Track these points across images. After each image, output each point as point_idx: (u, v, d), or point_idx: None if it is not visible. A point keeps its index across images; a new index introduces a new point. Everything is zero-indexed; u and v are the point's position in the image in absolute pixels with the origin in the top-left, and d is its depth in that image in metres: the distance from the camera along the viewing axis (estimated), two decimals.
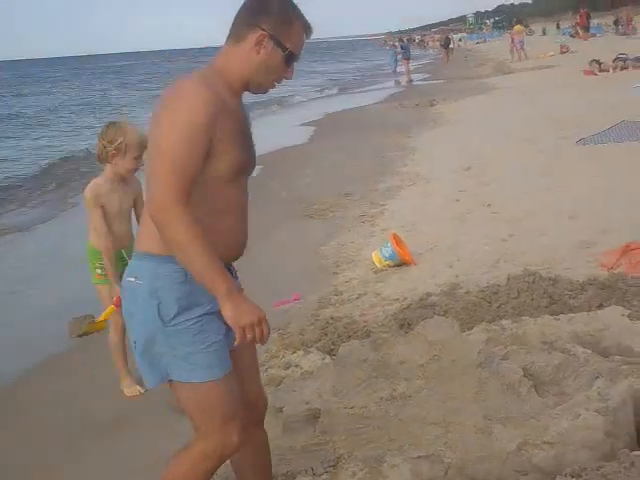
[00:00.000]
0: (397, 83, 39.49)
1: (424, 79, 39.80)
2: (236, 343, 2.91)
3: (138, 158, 5.35)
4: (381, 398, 4.31)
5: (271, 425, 4.35)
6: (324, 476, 3.89)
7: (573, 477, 3.49)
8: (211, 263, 2.83)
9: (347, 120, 22.65)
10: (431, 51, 71.86)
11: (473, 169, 12.05)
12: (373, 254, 7.64)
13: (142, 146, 5.23)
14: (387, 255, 7.47)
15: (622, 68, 25.83)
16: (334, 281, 7.33)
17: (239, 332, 2.87)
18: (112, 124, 5.44)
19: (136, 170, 5.46)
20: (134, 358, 3.15)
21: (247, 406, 3.29)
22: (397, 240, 7.61)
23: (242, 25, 3.01)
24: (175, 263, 2.89)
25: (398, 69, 43.85)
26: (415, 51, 55.45)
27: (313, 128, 21.69)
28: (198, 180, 2.86)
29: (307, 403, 4.49)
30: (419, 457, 3.92)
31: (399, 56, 44.29)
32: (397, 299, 6.48)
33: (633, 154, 11.58)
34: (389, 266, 7.45)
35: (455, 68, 43.16)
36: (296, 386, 4.80)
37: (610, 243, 7.04)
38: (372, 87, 38.57)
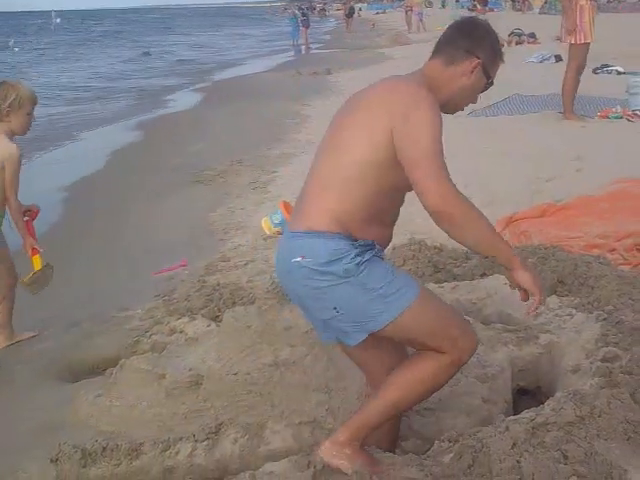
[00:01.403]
0: (295, 51, 39.33)
1: (322, 47, 39.71)
2: (536, 305, 3.28)
3: (30, 113, 5.39)
4: (264, 364, 4.29)
5: (153, 391, 4.34)
6: (205, 442, 3.86)
7: (450, 442, 3.54)
8: (499, 237, 3.21)
9: (241, 87, 22.48)
10: (332, 20, 71.63)
11: None
12: (263, 221, 7.60)
13: (33, 102, 5.38)
14: (277, 222, 7.45)
15: (517, 43, 26.32)
16: (222, 247, 7.28)
17: (539, 294, 3.20)
18: (3, 82, 5.45)
19: (29, 128, 5.47)
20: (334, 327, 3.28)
21: None
22: (287, 207, 7.58)
23: (459, 50, 3.37)
24: (342, 239, 3.13)
25: (300, 40, 42.78)
26: (315, 19, 55.14)
27: (204, 94, 21.48)
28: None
29: (190, 369, 4.44)
30: (301, 423, 3.94)
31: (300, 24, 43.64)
32: None
33: (522, 126, 11.84)
34: (279, 233, 7.42)
35: (354, 38, 43.18)
36: (180, 352, 4.75)
37: (496, 214, 7.16)
38: (269, 54, 38.33)
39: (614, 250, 5.93)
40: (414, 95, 3.18)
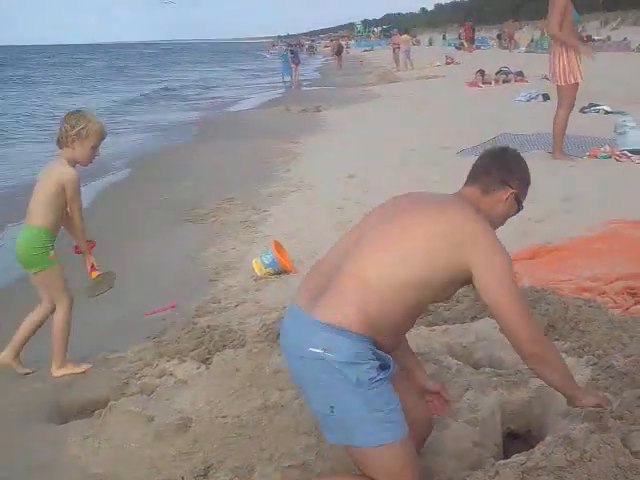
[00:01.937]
0: (285, 87, 39.49)
1: (312, 84, 39.91)
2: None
3: (96, 147, 5.60)
4: (254, 408, 4.30)
5: (142, 433, 4.32)
6: None
7: None
8: (571, 375, 3.56)
9: (231, 123, 22.56)
10: (320, 57, 72.05)
11: (357, 177, 12.15)
12: (253, 261, 7.60)
13: (101, 136, 5.60)
14: (267, 262, 7.45)
15: (504, 81, 26.52)
16: (213, 289, 7.26)
17: (605, 405, 3.65)
18: (77, 111, 5.68)
19: (91, 161, 5.67)
20: (319, 419, 3.38)
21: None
22: (278, 247, 7.60)
23: (494, 181, 3.63)
24: (366, 342, 3.19)
25: (288, 77, 42.75)
26: (304, 56, 55.43)
27: (194, 129, 21.55)
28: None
29: (179, 412, 4.44)
30: (290, 466, 3.93)
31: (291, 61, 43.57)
32: (276, 308, 6.45)
33: None
34: (269, 274, 7.43)
35: (343, 75, 43.45)
36: (169, 395, 4.73)
37: None
38: (258, 91, 38.48)
39: (604, 293, 5.94)
40: (484, 231, 3.40)
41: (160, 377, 5.15)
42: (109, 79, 52.43)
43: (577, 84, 11.72)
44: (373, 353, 3.20)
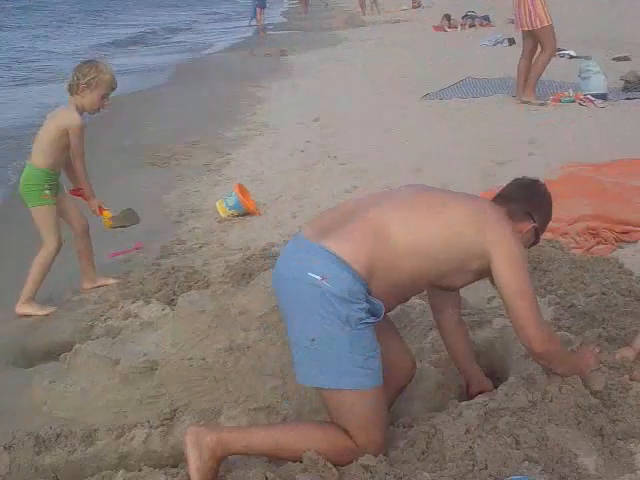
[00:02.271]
0: (251, 31, 38.92)
1: (277, 29, 39.44)
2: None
3: (105, 97, 5.73)
4: (219, 349, 4.31)
5: (108, 377, 4.31)
6: (160, 429, 3.85)
7: (404, 427, 3.59)
8: (579, 361, 3.65)
9: (195, 67, 22.30)
10: (285, 1, 71.01)
11: (321, 120, 12.11)
12: (217, 204, 7.58)
13: (111, 87, 5.74)
14: (231, 205, 7.43)
15: (470, 25, 26.37)
16: (177, 230, 7.24)
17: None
18: (90, 61, 5.88)
19: (99, 110, 5.80)
20: (295, 351, 3.35)
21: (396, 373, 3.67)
22: (242, 190, 7.57)
23: (521, 210, 3.66)
24: (363, 285, 3.21)
25: (253, 22, 41.85)
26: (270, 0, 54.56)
27: (157, 74, 21.29)
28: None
29: (145, 355, 4.42)
30: (256, 409, 3.95)
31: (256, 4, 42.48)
32: (240, 249, 6.46)
33: (474, 110, 11.91)
34: (233, 216, 7.42)
35: (308, 19, 42.96)
36: (134, 337, 4.72)
37: None
38: (224, 34, 38.01)
39: (566, 234, 6.00)
40: (511, 232, 3.49)
41: (125, 319, 5.13)
42: (74, 23, 51.37)
43: (550, 26, 11.70)
44: (366, 297, 3.22)
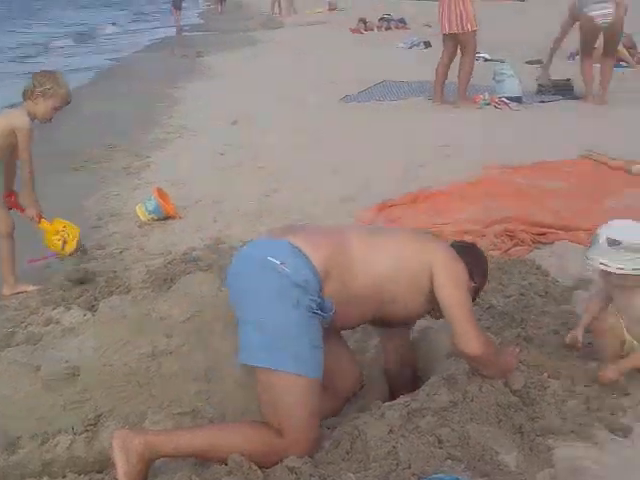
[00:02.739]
0: (168, 32, 38.49)
1: (193, 30, 39.13)
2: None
3: (56, 109, 5.79)
4: (142, 354, 4.28)
5: (29, 384, 4.22)
6: (84, 434, 3.83)
7: (329, 428, 3.64)
8: (504, 367, 3.74)
9: (111, 69, 22.06)
10: (201, 1, 70.42)
11: (239, 123, 12.08)
12: (137, 208, 7.50)
13: (65, 101, 5.82)
14: (151, 209, 7.37)
15: (386, 28, 26.61)
16: (96, 235, 7.14)
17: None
18: (49, 71, 5.95)
19: (49, 120, 5.84)
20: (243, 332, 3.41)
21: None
22: (161, 194, 7.52)
23: (465, 263, 3.74)
24: (318, 282, 3.35)
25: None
26: (185, 2, 53.85)
27: (76, 76, 20.98)
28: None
29: (67, 361, 4.36)
30: (180, 413, 3.94)
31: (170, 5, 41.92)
32: (161, 253, 6.43)
33: (392, 112, 12.04)
34: (153, 220, 7.36)
35: (224, 21, 42.73)
36: (55, 343, 4.65)
37: (369, 200, 7.31)
38: (141, 35, 37.59)
39: (484, 236, 6.11)
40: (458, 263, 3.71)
41: (46, 325, 5.06)
42: None
43: (475, 32, 11.91)
44: (319, 293, 3.33)
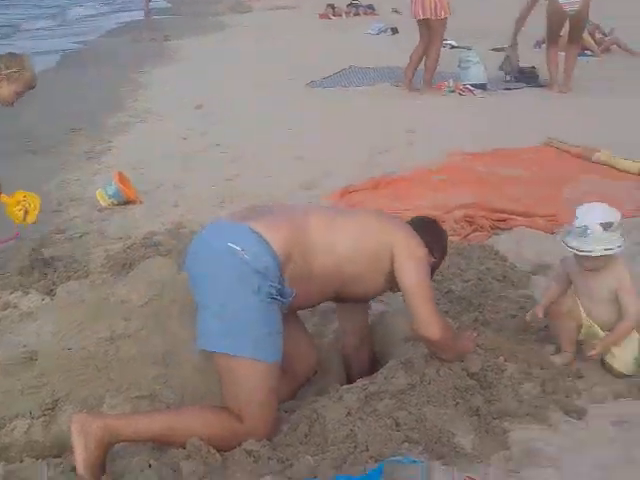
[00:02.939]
0: (135, 16, 38.20)
1: (161, 13, 38.83)
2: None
3: (20, 94, 5.70)
4: (100, 338, 4.24)
5: None
6: (42, 419, 3.81)
7: (286, 412, 3.64)
8: (456, 343, 3.77)
9: (78, 52, 21.85)
10: None
11: (204, 107, 12.04)
12: (97, 192, 7.45)
13: (29, 85, 5.74)
14: (111, 193, 7.32)
15: (355, 14, 26.61)
16: (56, 219, 7.09)
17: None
18: (15, 54, 5.82)
19: (11, 104, 5.74)
20: (202, 317, 3.43)
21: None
22: (122, 178, 7.47)
23: (422, 239, 3.79)
24: (278, 267, 3.35)
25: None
26: None
27: (39, 59, 20.74)
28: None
29: (24, 345, 4.34)
30: (138, 397, 3.93)
31: None
32: (121, 238, 6.38)
33: (357, 98, 12.05)
34: (114, 204, 7.32)
35: (193, 4, 42.46)
36: (12, 328, 4.63)
37: (331, 185, 7.32)
38: (108, 18, 37.25)
39: (444, 222, 6.10)
40: (418, 243, 3.75)
41: (4, 310, 4.99)
42: None
43: (446, 19, 11.94)
44: (279, 279, 3.34)
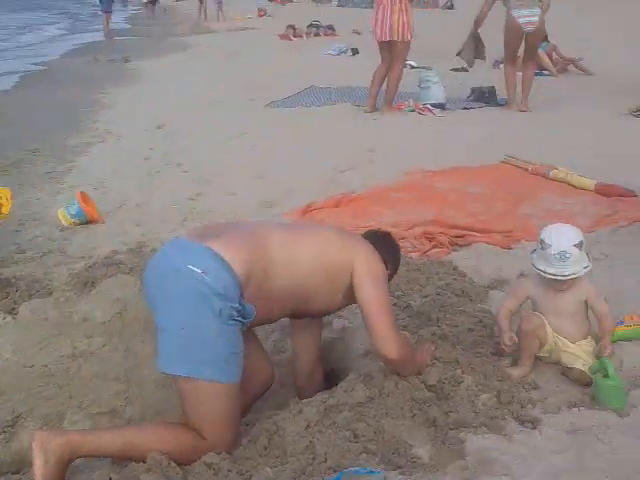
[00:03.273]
0: (94, 37, 38.08)
1: (121, 34, 38.82)
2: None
3: None
4: (62, 356, 4.27)
5: None
6: (2, 435, 3.84)
7: (247, 425, 3.69)
8: (416, 360, 3.84)
9: (36, 72, 21.81)
10: (131, 7, 69.88)
11: (165, 127, 12.08)
12: (59, 212, 7.44)
13: None
14: (73, 213, 7.32)
15: (315, 34, 26.83)
16: (17, 239, 7.08)
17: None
18: None
19: None
20: (162, 339, 3.43)
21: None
22: (85, 198, 7.48)
23: (379, 252, 3.87)
24: (238, 287, 3.35)
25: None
26: (117, 6, 53.22)
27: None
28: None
29: None
30: (99, 413, 3.97)
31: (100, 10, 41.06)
32: (83, 257, 6.38)
33: (318, 118, 12.15)
34: (76, 224, 7.32)
35: (153, 25, 42.55)
36: None
37: (293, 204, 7.38)
38: (68, 38, 37.19)
39: (404, 238, 6.20)
40: (376, 258, 3.81)
41: None
42: None
43: (410, 41, 12.09)
44: (239, 299, 3.35)
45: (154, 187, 8.57)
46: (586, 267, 3.91)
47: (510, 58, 12.41)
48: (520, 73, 12.39)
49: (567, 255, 3.85)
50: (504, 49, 12.48)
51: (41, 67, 23.71)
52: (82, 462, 3.46)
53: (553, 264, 3.89)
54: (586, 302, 4.03)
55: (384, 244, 4.02)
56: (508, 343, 4.02)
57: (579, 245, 3.89)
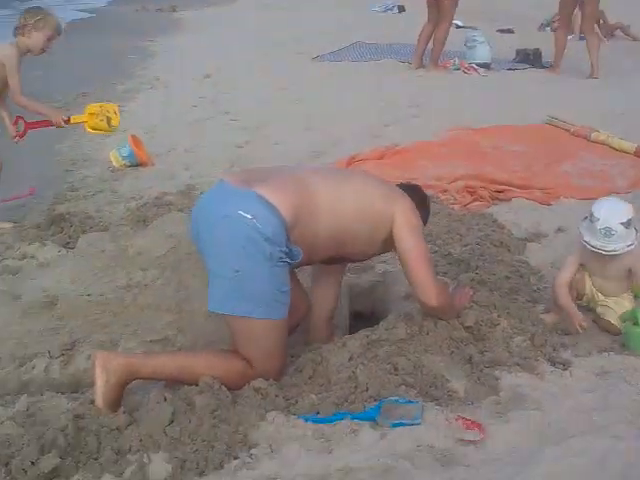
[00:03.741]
0: None
1: None
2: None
3: (51, 40, 6.07)
4: (117, 286, 4.47)
5: (9, 311, 4.39)
6: (60, 358, 3.99)
7: (293, 357, 3.86)
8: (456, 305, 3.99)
9: (84, 20, 21.92)
10: None
11: (213, 77, 12.22)
12: (110, 153, 7.62)
13: (57, 30, 6.11)
14: (125, 155, 7.50)
15: None
16: (70, 178, 7.28)
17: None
18: (37, 7, 6.33)
19: (44, 51, 6.13)
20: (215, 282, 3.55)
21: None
22: (135, 141, 7.63)
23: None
24: (285, 230, 3.46)
25: None
26: None
27: None
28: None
29: (45, 291, 4.55)
30: (152, 340, 4.12)
31: None
32: (133, 197, 6.57)
33: (364, 73, 12.21)
34: (126, 166, 7.49)
35: None
36: (34, 275, 4.83)
37: (338, 154, 7.51)
38: None
39: (446, 191, 6.36)
40: (414, 209, 3.89)
41: (22, 259, 5.17)
42: None
43: (457, 0, 12.12)
44: (287, 242, 3.49)
45: (202, 134, 8.74)
46: (630, 245, 3.99)
47: (564, 22, 12.34)
48: (571, 37, 12.28)
49: (612, 232, 3.96)
50: (559, 12, 12.43)
51: (89, 14, 23.82)
52: (136, 384, 3.62)
53: (598, 238, 4.00)
54: (630, 269, 4.13)
55: (417, 195, 4.13)
56: (584, 325, 4.05)
57: (626, 223, 3.98)
